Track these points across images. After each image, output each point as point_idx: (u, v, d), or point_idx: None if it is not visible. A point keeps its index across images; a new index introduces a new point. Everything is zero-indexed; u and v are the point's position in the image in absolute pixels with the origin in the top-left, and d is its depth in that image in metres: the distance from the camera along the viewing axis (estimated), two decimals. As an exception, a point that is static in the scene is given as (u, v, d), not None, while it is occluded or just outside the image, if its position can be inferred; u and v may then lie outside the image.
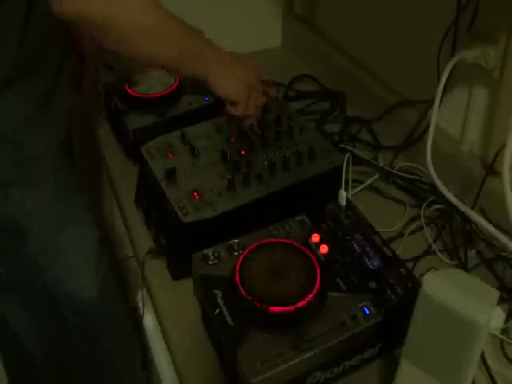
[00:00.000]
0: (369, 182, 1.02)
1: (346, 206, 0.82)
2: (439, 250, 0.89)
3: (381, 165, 1.05)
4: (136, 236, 0.95)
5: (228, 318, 0.67)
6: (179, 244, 0.84)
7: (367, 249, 0.76)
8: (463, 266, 0.86)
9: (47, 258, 0.94)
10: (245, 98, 0.92)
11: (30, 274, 0.95)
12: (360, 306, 0.69)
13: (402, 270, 0.73)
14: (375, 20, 1.18)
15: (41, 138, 0.84)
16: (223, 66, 0.90)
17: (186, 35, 0.83)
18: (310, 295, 0.67)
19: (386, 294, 0.70)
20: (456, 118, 0.98)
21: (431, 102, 0.91)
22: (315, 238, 0.78)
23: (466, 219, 0.89)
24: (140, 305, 1.02)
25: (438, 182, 0.87)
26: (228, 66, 0.91)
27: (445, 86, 0.88)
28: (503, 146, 0.75)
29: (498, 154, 0.86)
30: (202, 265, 0.74)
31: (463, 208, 0.84)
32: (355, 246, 0.76)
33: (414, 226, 0.94)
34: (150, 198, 0.91)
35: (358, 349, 0.70)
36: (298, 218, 0.81)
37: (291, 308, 0.66)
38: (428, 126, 0.90)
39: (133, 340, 1.17)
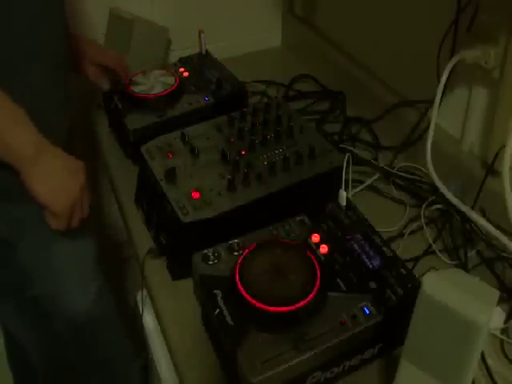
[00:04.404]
0: (369, 182, 1.03)
1: (346, 206, 0.82)
2: (439, 250, 0.89)
3: (381, 165, 1.05)
4: (136, 236, 0.95)
5: (228, 318, 0.67)
6: (179, 244, 0.84)
7: (367, 249, 0.76)
8: (463, 265, 0.86)
9: (38, 272, 0.93)
10: (65, 213, 0.80)
11: (20, 284, 0.94)
12: (360, 306, 0.69)
13: (402, 270, 0.72)
14: (375, 20, 1.18)
15: None
16: (44, 168, 0.76)
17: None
18: (310, 295, 0.67)
19: (386, 294, 0.70)
20: (456, 118, 0.98)
21: (431, 102, 0.91)
22: (315, 238, 0.78)
23: (466, 219, 0.89)
24: (140, 305, 1.02)
25: (438, 182, 0.87)
26: (50, 170, 0.77)
27: (445, 85, 0.88)
28: (503, 146, 0.75)
29: (498, 154, 0.86)
30: (202, 265, 0.74)
31: (463, 208, 0.84)
32: (355, 246, 0.76)
33: (414, 226, 0.94)
34: (150, 198, 0.91)
35: (357, 349, 0.70)
36: (298, 218, 0.81)
37: (291, 308, 0.66)
38: (428, 126, 0.90)
39: (130, 344, 1.17)
